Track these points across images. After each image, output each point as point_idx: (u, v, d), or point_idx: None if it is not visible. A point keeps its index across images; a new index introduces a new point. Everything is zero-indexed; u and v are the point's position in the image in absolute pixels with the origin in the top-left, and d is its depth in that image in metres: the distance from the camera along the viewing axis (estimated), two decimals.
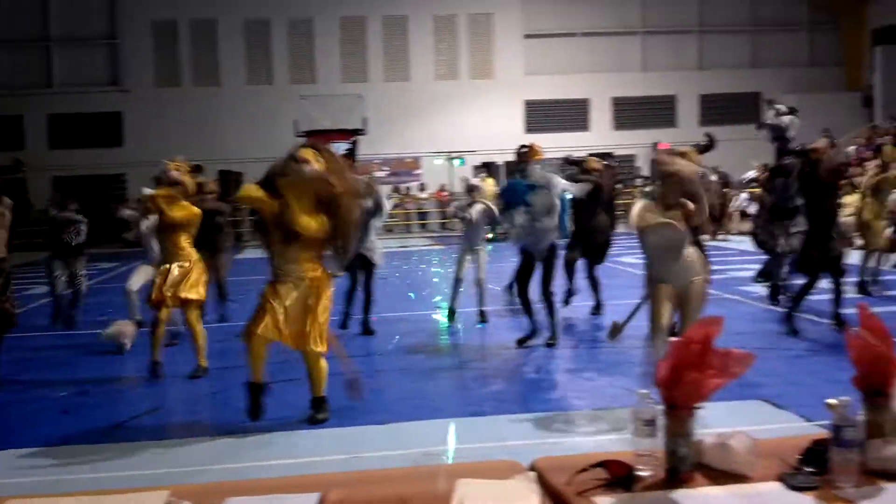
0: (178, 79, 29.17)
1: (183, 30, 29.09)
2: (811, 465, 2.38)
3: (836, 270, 8.39)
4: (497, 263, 11.29)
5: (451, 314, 9.75)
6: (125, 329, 8.86)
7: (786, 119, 12.20)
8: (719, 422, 5.32)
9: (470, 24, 30.17)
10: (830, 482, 2.29)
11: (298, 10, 29.32)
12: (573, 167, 9.94)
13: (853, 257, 10.19)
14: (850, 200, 12.37)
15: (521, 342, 8.26)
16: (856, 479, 2.28)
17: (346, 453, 5.21)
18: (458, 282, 9.71)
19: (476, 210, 9.49)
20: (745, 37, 31.13)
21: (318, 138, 25.41)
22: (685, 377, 2.21)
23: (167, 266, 7.37)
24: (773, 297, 10.14)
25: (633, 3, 30.54)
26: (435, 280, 14.78)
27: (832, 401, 2.34)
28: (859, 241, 10.91)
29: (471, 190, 9.92)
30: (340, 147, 26.04)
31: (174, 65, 29.16)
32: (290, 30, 29.54)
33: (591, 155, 10.47)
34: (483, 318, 9.68)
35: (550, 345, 8.16)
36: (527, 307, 8.28)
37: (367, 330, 9.21)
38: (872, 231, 10.42)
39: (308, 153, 5.58)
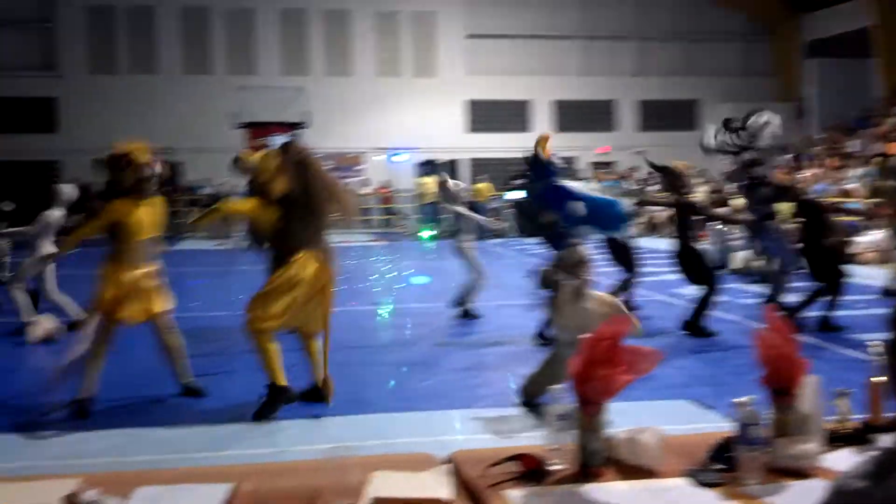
0: (114, 66, 28.56)
1: (120, 16, 28.51)
2: (719, 462, 2.43)
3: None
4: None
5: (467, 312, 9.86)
6: (46, 324, 8.75)
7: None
8: (647, 421, 5.43)
9: (412, 21, 30.15)
10: (736, 479, 2.35)
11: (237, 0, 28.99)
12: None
13: None
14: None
15: None
16: (761, 477, 2.35)
17: (272, 447, 5.18)
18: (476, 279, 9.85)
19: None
20: (682, 45, 31.67)
21: (257, 132, 25.33)
22: (596, 373, 2.25)
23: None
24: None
25: (574, 7, 30.82)
26: (374, 276, 14.76)
27: (740, 399, 2.40)
28: None
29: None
30: (281, 140, 25.82)
31: (110, 51, 28.55)
32: (229, 19, 29.15)
33: None
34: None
35: None
36: None
37: None
38: None
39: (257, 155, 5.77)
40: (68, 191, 9.36)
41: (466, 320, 9.75)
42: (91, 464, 4.65)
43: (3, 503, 2.21)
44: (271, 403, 5.76)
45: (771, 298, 9.40)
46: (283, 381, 5.83)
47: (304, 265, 5.79)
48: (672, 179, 9.03)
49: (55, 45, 28.30)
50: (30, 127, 27.73)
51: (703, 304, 8.54)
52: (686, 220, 8.74)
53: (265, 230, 5.97)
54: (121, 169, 6.06)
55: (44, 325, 8.70)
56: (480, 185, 25.37)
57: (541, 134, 8.78)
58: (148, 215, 6.17)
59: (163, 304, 6.27)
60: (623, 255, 9.57)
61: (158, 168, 6.29)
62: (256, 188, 5.96)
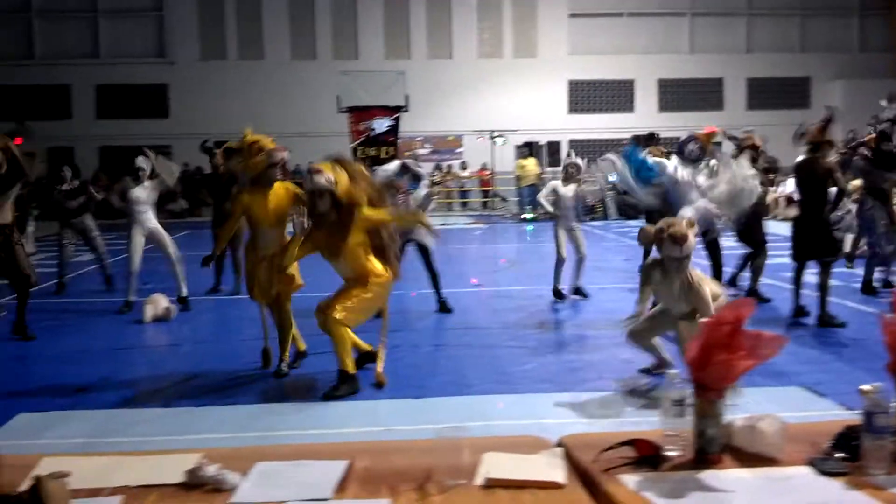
0: (223, 52, 29.38)
1: (229, 3, 29.23)
2: (842, 450, 2.35)
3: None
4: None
5: (558, 294, 9.74)
6: (160, 303, 9.03)
7: None
8: (758, 408, 5.28)
9: (514, 1, 29.94)
10: (861, 468, 2.27)
11: None
12: None
13: None
14: None
15: None
16: (887, 467, 2.26)
17: (378, 425, 5.26)
18: (561, 262, 9.74)
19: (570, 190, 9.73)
20: (795, 21, 30.55)
21: (359, 115, 25.57)
22: (715, 358, 2.19)
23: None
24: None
25: None
26: (474, 258, 14.80)
27: (865, 387, 2.31)
28: None
29: (570, 169, 9.97)
30: (383, 124, 26.08)
31: (219, 38, 29.35)
32: (333, 4, 29.55)
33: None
34: (581, 293, 9.79)
35: None
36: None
37: (443, 307, 9.22)
38: None
39: (325, 165, 5.83)
40: (143, 163, 9.61)
41: (570, 301, 9.68)
42: (208, 439, 4.81)
43: (127, 477, 2.30)
44: (339, 388, 5.91)
45: (865, 281, 9.49)
46: (352, 368, 5.98)
47: (385, 277, 6.05)
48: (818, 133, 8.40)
49: (167, 33, 29.22)
50: (143, 112, 28.80)
51: (823, 290, 8.16)
52: (822, 183, 8.21)
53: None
54: (252, 156, 6.28)
55: (159, 303, 9.00)
56: None
57: (709, 126, 8.73)
58: (274, 201, 6.33)
59: (290, 283, 6.45)
60: (753, 235, 9.57)
61: (285, 155, 6.47)
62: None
